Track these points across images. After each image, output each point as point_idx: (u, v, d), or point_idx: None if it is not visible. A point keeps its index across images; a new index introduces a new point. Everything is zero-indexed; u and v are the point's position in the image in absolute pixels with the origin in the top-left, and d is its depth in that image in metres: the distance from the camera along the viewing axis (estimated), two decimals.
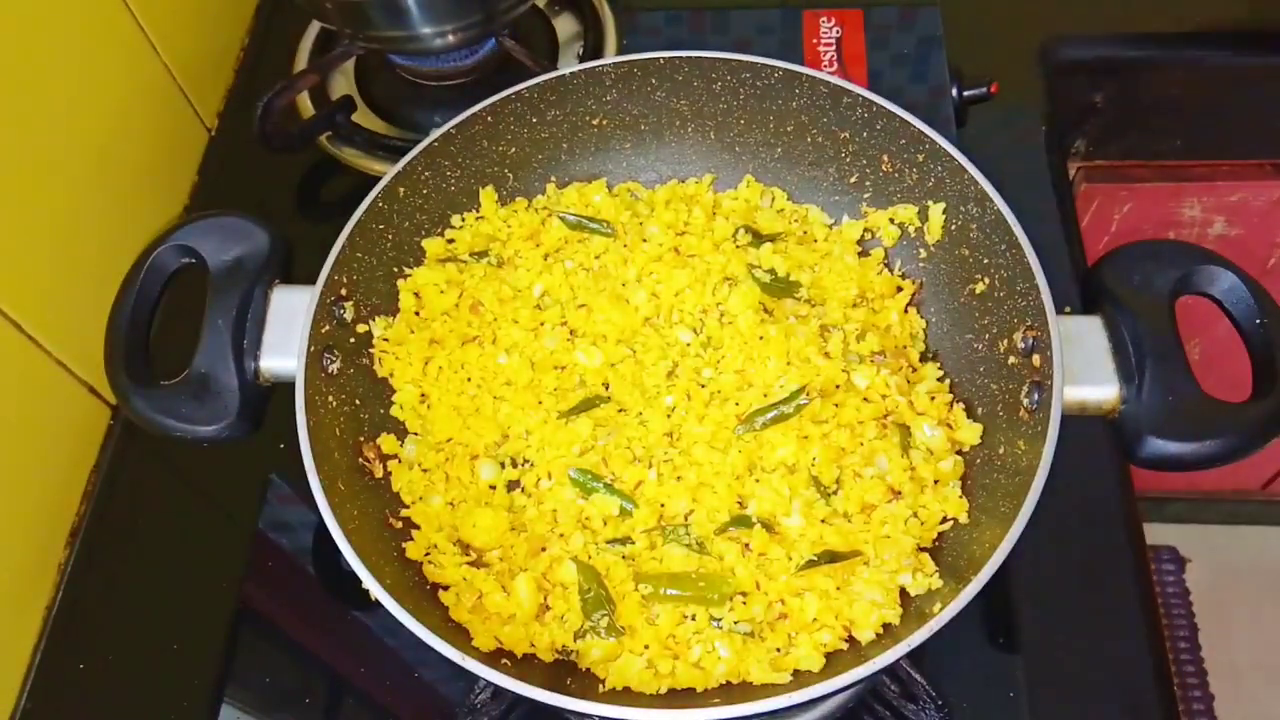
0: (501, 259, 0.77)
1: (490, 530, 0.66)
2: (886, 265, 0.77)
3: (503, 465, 0.70)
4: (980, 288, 0.69)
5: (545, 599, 0.64)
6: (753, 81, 0.76)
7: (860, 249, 0.78)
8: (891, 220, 0.76)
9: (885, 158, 0.74)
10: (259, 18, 1.10)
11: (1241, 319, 0.64)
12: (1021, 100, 1.02)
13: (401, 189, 0.73)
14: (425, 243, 0.76)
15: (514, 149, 0.79)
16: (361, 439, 0.69)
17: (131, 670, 0.74)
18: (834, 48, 1.02)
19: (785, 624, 0.61)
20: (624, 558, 0.64)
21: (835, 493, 0.65)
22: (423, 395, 0.72)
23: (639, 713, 0.52)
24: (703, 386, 0.71)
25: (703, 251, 0.76)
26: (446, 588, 0.64)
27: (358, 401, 0.69)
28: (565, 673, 0.61)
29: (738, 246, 0.76)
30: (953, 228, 0.72)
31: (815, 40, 1.03)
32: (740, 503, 0.66)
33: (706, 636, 0.61)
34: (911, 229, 0.75)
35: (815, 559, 0.62)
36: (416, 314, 0.74)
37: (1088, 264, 0.69)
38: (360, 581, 0.56)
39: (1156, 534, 1.82)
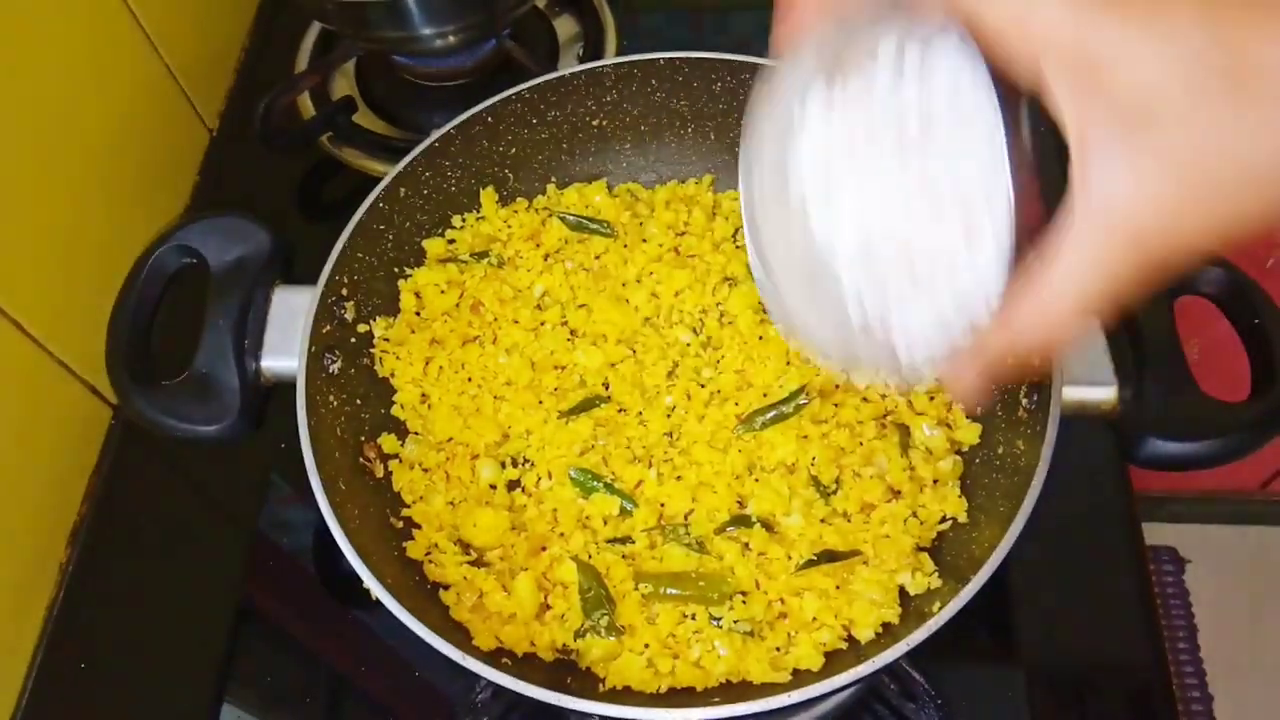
0: (502, 259, 0.77)
1: (491, 530, 0.66)
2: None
3: (503, 465, 0.70)
4: None
5: (545, 598, 0.64)
6: (752, 82, 0.76)
7: None
8: None
9: None
10: (260, 18, 1.10)
11: (1240, 319, 0.64)
12: None
13: (402, 189, 0.73)
14: (426, 243, 0.76)
15: (514, 149, 0.79)
16: (362, 439, 0.69)
17: (132, 670, 0.74)
18: None
19: (785, 623, 0.62)
20: (624, 557, 0.65)
21: (834, 492, 0.65)
22: (423, 395, 0.72)
23: (639, 712, 0.53)
24: (702, 386, 0.71)
25: (702, 252, 0.76)
26: (447, 587, 0.64)
27: (358, 401, 0.69)
28: (565, 672, 0.61)
29: (738, 247, 0.76)
30: None
31: None
32: (740, 502, 0.66)
33: (706, 636, 0.61)
34: None
35: (815, 558, 0.62)
36: (417, 314, 0.74)
37: None
38: (361, 581, 0.56)
39: (1156, 534, 1.82)
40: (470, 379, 0.72)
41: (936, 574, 0.62)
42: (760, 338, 0.71)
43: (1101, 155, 0.32)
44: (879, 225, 0.37)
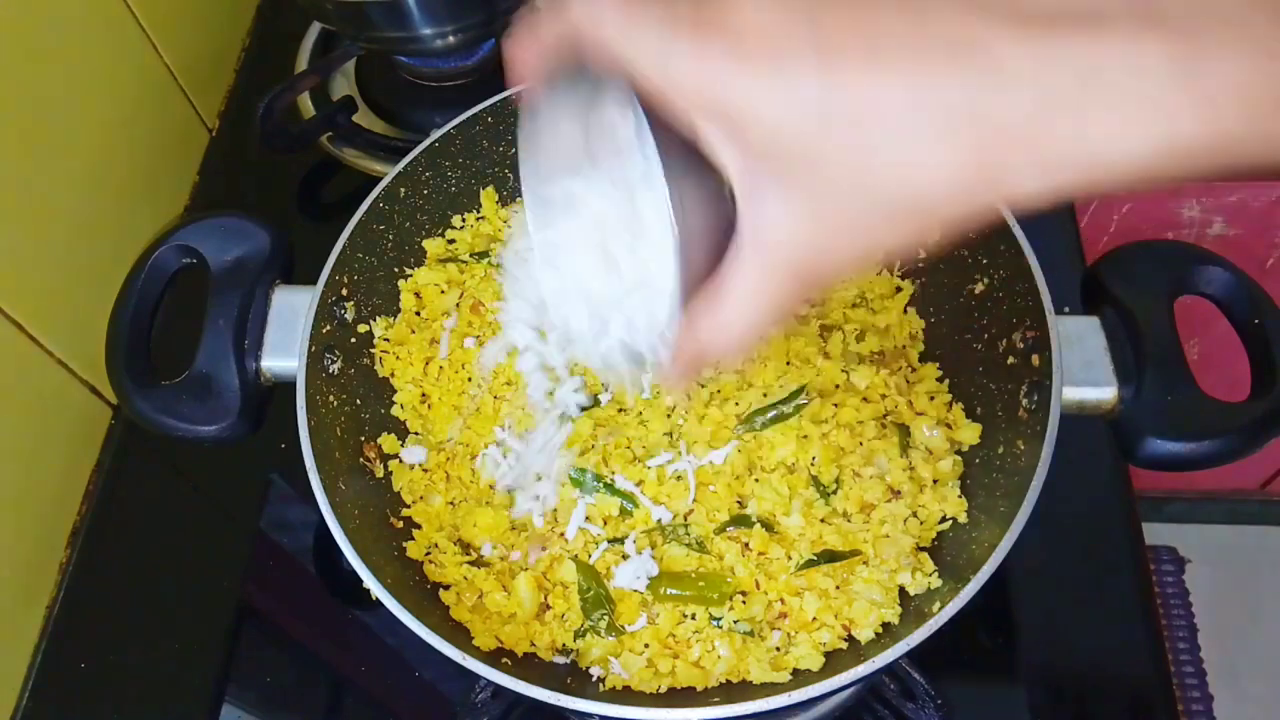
0: (502, 259, 0.77)
1: (491, 530, 0.66)
2: (886, 265, 0.77)
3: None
4: (979, 288, 0.69)
5: (545, 598, 0.64)
6: None
7: None
8: None
9: None
10: (260, 18, 1.10)
11: (1239, 318, 0.64)
12: None
13: (402, 189, 0.73)
14: (426, 243, 0.76)
15: (514, 149, 0.78)
16: (362, 439, 0.69)
17: (132, 669, 0.74)
18: None
19: (785, 623, 0.62)
20: (624, 557, 0.64)
21: (834, 492, 0.65)
22: (423, 395, 0.72)
23: (639, 712, 0.52)
24: (702, 386, 0.71)
25: None
26: (447, 587, 0.64)
27: (358, 401, 0.69)
28: (565, 672, 0.61)
29: None
30: None
31: None
32: (740, 502, 0.66)
33: (706, 636, 0.61)
34: None
35: (815, 558, 0.62)
36: (417, 314, 0.74)
37: (1086, 264, 0.69)
38: (361, 581, 0.56)
39: (1156, 534, 1.82)
40: (470, 379, 0.72)
41: (936, 574, 0.62)
42: (760, 338, 0.71)
43: (755, 196, 0.36)
44: (585, 266, 0.44)
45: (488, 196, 0.79)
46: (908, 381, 0.71)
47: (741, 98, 0.33)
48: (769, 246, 0.36)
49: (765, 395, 0.69)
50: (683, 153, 0.37)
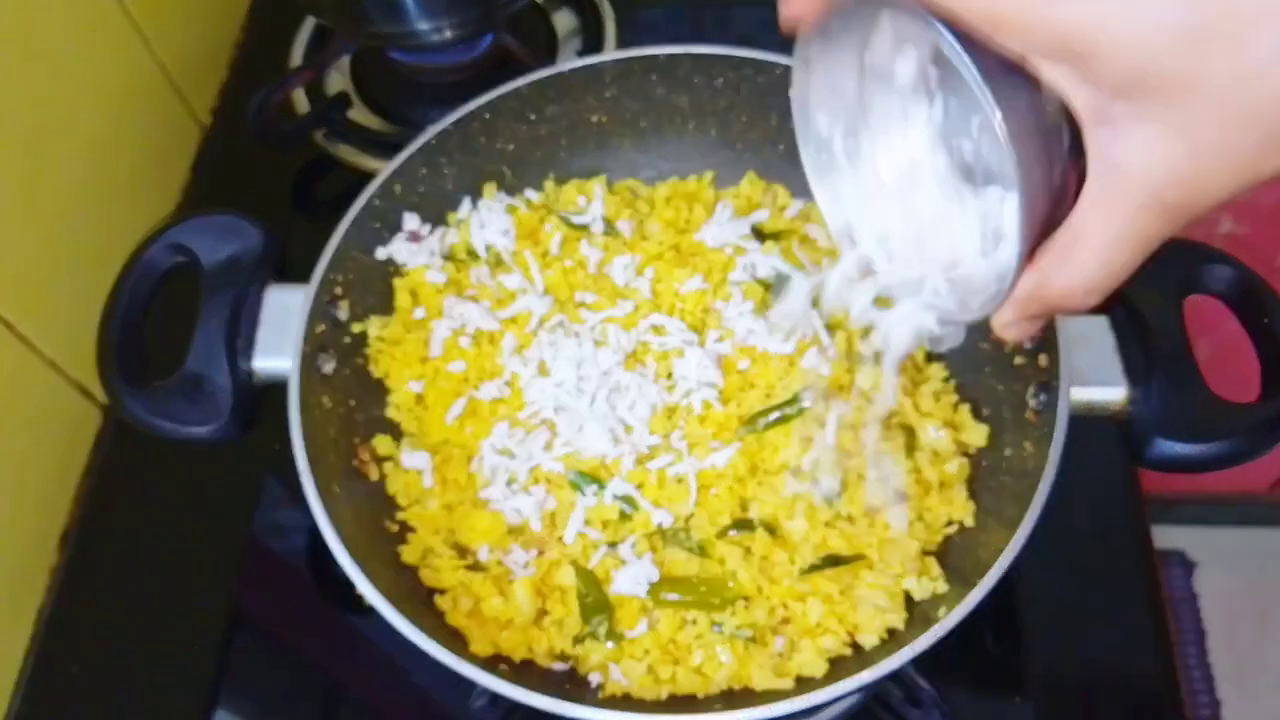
0: (499, 257, 0.76)
1: (487, 533, 0.65)
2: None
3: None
4: None
5: (543, 603, 0.63)
6: (754, 77, 0.75)
7: None
8: None
9: None
10: (253, 13, 1.10)
11: (1250, 318, 0.63)
12: None
13: (398, 186, 0.72)
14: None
15: (512, 146, 0.78)
16: (356, 440, 0.68)
17: (124, 675, 0.73)
18: None
19: (788, 629, 0.61)
20: (623, 561, 0.63)
21: (838, 495, 0.64)
22: (418, 396, 0.71)
23: (639, 718, 0.52)
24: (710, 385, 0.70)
25: (704, 249, 0.75)
26: (443, 592, 0.63)
27: (352, 402, 0.68)
28: (563, 678, 0.60)
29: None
30: None
31: None
32: (742, 505, 0.65)
33: (707, 641, 0.60)
34: None
35: (818, 563, 0.61)
36: (412, 313, 0.73)
37: None
38: (355, 586, 0.55)
39: (1164, 537, 1.81)
40: (466, 379, 0.71)
41: (942, 578, 0.61)
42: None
43: (1108, 130, 0.33)
44: (923, 212, 0.42)
45: (486, 193, 0.78)
46: (913, 382, 0.70)
47: (1091, 25, 0.30)
48: (1133, 185, 0.33)
49: (768, 396, 0.68)
50: (1002, 84, 0.34)
